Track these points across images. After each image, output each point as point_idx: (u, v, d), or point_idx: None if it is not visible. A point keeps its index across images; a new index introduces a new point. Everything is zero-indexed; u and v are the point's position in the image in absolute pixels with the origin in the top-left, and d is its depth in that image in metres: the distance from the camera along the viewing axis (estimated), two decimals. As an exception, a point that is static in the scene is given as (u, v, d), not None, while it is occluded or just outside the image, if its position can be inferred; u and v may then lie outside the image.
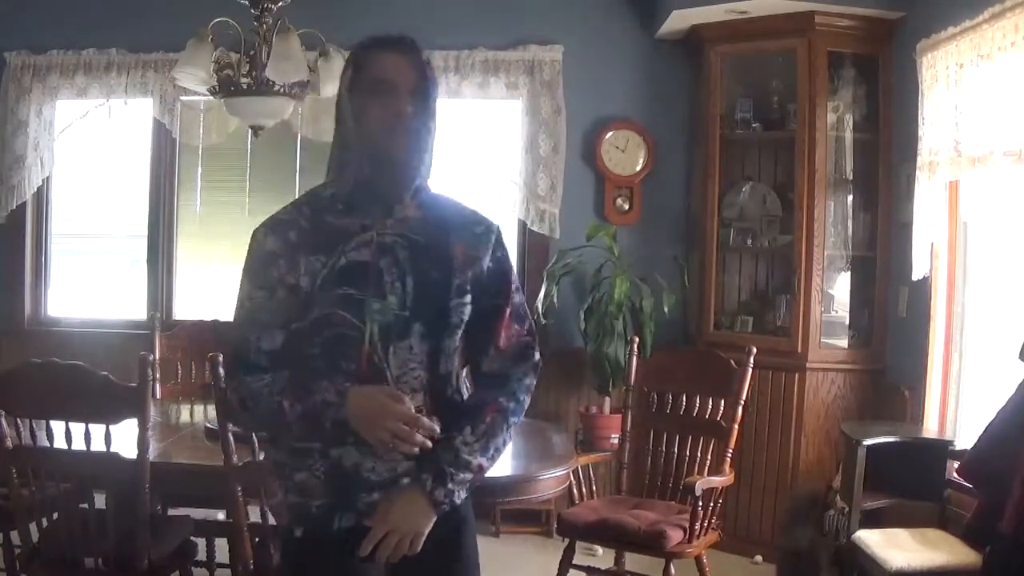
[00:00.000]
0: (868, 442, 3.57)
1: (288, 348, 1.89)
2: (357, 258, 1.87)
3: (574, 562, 3.63)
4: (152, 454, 2.86)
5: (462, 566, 2.01)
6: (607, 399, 4.75)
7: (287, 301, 1.88)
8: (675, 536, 3.36)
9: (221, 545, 3.52)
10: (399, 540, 1.85)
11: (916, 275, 4.01)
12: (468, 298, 1.93)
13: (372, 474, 1.87)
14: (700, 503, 3.36)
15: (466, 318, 1.94)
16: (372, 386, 1.84)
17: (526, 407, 2.01)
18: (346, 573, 1.91)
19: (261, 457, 2.67)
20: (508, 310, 1.99)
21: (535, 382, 2.02)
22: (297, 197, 2.02)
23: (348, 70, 1.94)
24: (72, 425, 2.80)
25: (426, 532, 1.87)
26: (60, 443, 2.85)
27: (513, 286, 2.01)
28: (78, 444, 2.80)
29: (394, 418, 1.79)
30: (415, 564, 1.90)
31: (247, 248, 1.94)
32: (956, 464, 3.40)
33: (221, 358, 2.43)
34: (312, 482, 1.89)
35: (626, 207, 5.08)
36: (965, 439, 3.73)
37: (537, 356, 2.03)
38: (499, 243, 2.01)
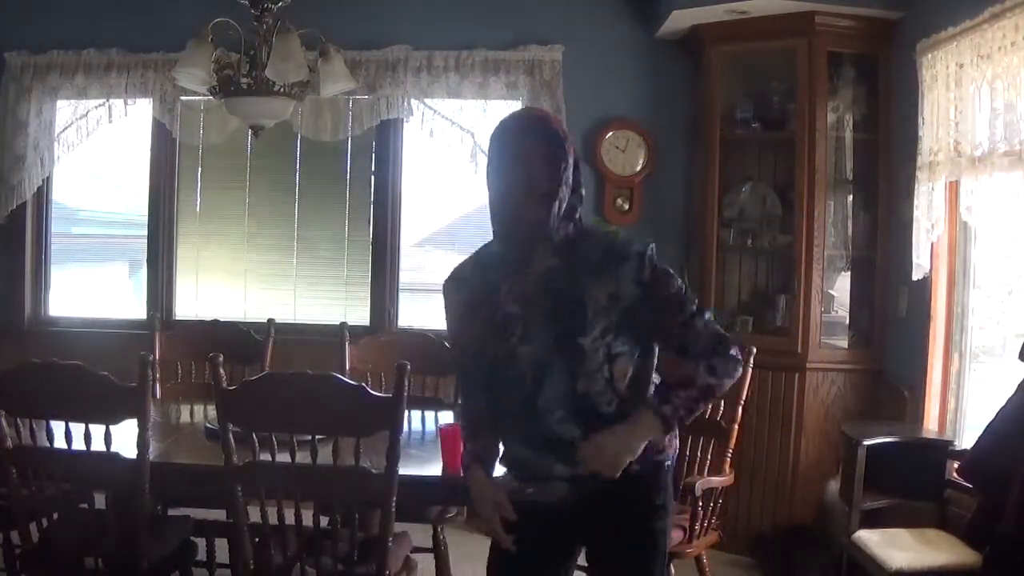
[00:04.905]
0: (868, 442, 3.58)
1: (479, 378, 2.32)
2: (509, 311, 2.21)
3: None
4: (152, 454, 2.86)
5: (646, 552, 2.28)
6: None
7: (468, 346, 2.30)
8: (675, 536, 3.36)
9: (221, 545, 3.53)
10: (609, 455, 2.14)
11: (916, 275, 4.01)
12: (612, 337, 2.17)
13: (536, 469, 2.28)
14: (700, 503, 3.36)
15: (619, 352, 2.18)
16: (489, 485, 2.31)
17: (730, 376, 2.22)
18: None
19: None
20: (679, 323, 2.22)
21: (734, 369, 2.23)
22: (476, 251, 2.35)
23: (490, 144, 2.25)
24: (72, 425, 2.79)
25: (637, 451, 2.16)
26: (60, 443, 2.84)
27: (671, 299, 2.23)
28: (78, 444, 2.80)
29: (488, 523, 2.28)
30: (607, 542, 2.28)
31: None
32: (956, 464, 3.40)
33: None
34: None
35: (626, 207, 5.08)
36: (965, 439, 3.74)
37: (733, 351, 2.23)
38: (641, 268, 2.20)
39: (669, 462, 2.34)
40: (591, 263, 2.20)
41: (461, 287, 2.32)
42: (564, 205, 2.19)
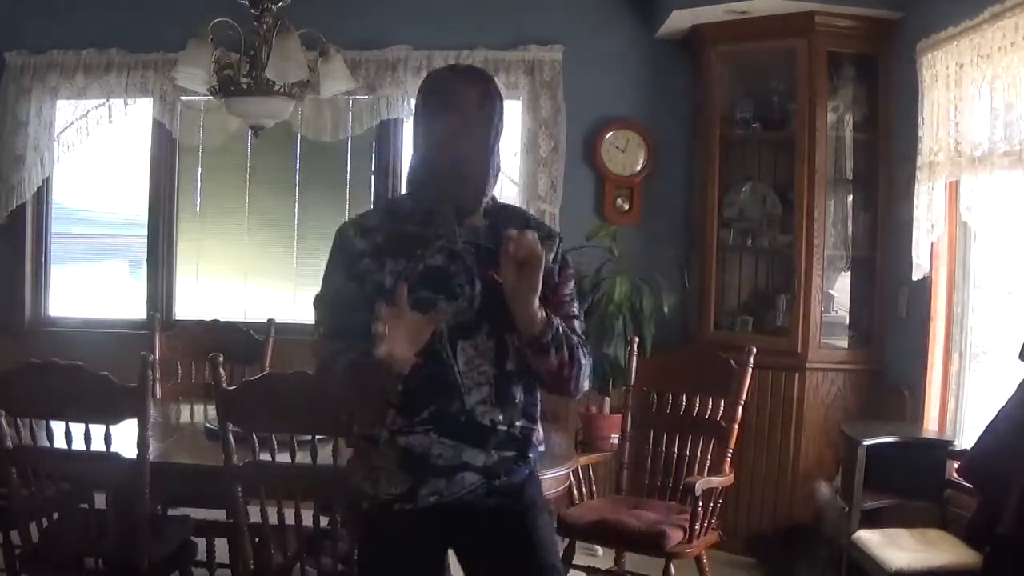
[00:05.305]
0: (868, 442, 3.58)
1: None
2: (433, 263, 2.08)
3: (574, 562, 3.63)
4: (152, 454, 2.86)
5: (534, 546, 2.15)
6: (607, 399, 4.73)
7: (372, 294, 2.04)
8: (675, 536, 3.36)
9: (221, 545, 3.53)
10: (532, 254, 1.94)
11: (916, 275, 4.01)
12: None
13: (440, 460, 2.05)
14: (700, 503, 3.36)
15: None
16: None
17: (581, 374, 2.13)
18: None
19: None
20: (566, 314, 2.15)
21: (583, 375, 2.14)
22: (379, 204, 2.17)
23: (419, 95, 2.13)
24: (72, 425, 2.80)
25: (536, 300, 1.98)
26: (60, 443, 2.85)
27: (566, 290, 2.17)
28: (78, 444, 2.80)
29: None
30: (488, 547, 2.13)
31: (334, 243, 2.19)
32: (956, 464, 3.40)
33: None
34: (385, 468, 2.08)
35: (626, 207, 5.08)
36: (965, 439, 3.74)
37: (586, 357, 2.14)
38: (558, 250, 2.18)
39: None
40: (518, 228, 2.12)
41: (367, 234, 2.14)
42: (495, 160, 2.11)
